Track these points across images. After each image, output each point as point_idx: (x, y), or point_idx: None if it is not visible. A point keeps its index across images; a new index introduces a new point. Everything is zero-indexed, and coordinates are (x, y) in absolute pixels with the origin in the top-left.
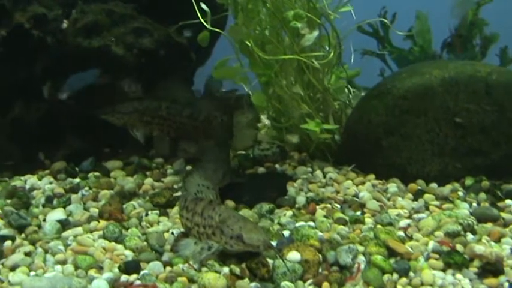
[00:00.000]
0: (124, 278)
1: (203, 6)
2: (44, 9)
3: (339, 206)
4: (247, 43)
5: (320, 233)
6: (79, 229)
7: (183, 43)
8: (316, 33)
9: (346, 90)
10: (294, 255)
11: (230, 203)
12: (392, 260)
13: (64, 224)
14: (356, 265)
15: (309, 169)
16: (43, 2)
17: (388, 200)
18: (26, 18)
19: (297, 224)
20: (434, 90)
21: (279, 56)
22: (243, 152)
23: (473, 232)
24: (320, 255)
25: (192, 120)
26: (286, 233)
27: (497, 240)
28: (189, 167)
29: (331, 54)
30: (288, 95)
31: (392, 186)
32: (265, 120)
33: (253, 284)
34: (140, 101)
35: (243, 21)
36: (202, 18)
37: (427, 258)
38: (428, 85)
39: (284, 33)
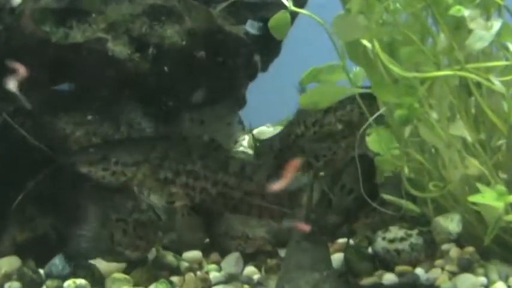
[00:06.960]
0: None
1: None
2: None
3: None
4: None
5: None
6: None
7: (239, 36)
8: (497, 25)
9: None
10: None
11: None
12: None
13: None
14: None
15: (482, 279)
16: None
17: None
18: None
19: None
20: None
21: (430, 73)
22: (352, 243)
23: None
24: None
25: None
26: None
27: None
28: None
29: None
30: (441, 140)
31: None
32: None
33: None
34: (152, 142)
35: (360, 6)
36: None
37: None
38: None
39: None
